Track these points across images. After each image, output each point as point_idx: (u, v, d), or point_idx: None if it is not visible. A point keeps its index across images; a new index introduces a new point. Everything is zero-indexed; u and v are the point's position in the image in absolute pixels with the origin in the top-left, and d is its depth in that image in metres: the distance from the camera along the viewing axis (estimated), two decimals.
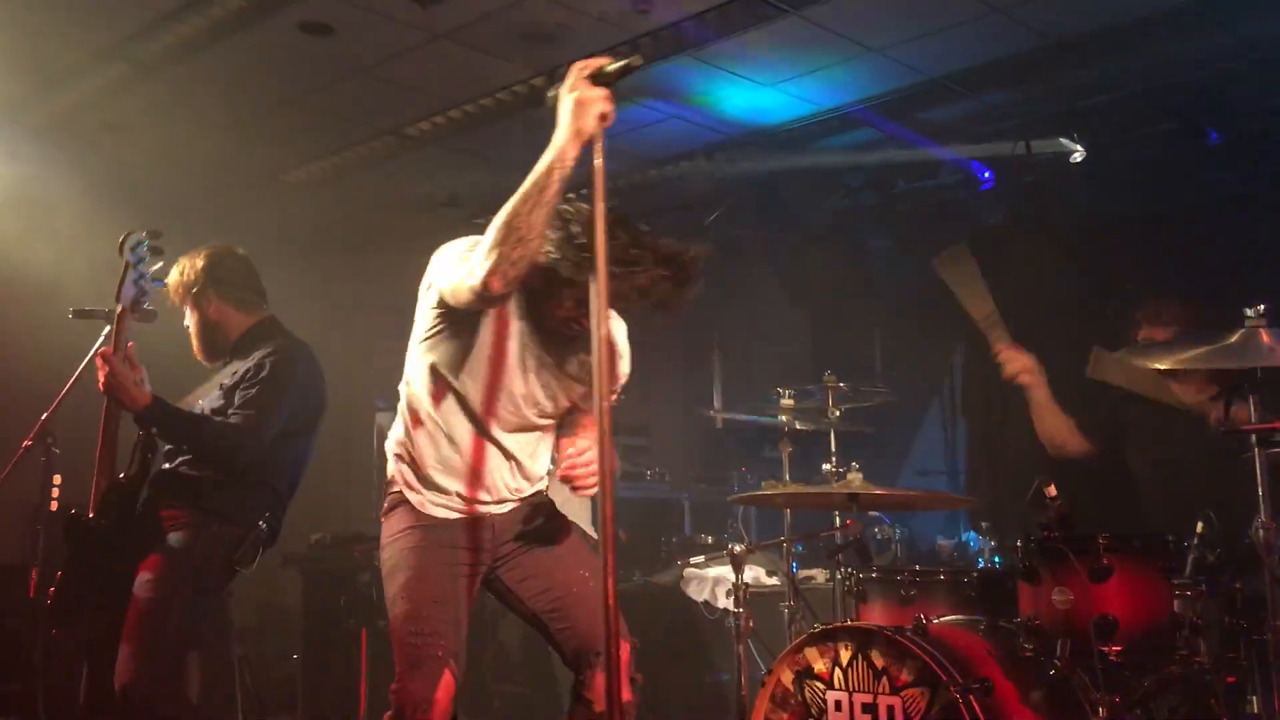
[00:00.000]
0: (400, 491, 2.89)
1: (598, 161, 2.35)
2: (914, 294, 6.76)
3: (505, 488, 2.92)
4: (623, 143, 6.45)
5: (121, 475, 3.43)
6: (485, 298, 2.54)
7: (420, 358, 2.84)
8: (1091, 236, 5.93)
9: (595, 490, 2.38)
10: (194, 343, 3.82)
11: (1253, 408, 3.14)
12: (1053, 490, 3.31)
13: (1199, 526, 3.38)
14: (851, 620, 3.53)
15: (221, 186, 6.20)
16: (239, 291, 3.83)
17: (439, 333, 2.80)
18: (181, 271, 3.80)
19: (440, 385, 2.81)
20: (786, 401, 4.42)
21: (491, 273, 2.46)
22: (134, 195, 3.94)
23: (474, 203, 7.50)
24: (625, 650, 2.81)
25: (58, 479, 3.64)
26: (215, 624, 5.59)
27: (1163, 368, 3.89)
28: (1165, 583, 3.24)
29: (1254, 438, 3.06)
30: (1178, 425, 4.10)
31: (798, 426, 4.53)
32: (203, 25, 5.05)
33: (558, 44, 5.25)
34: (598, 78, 2.35)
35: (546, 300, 2.73)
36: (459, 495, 2.86)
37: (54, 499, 3.84)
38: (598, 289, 2.29)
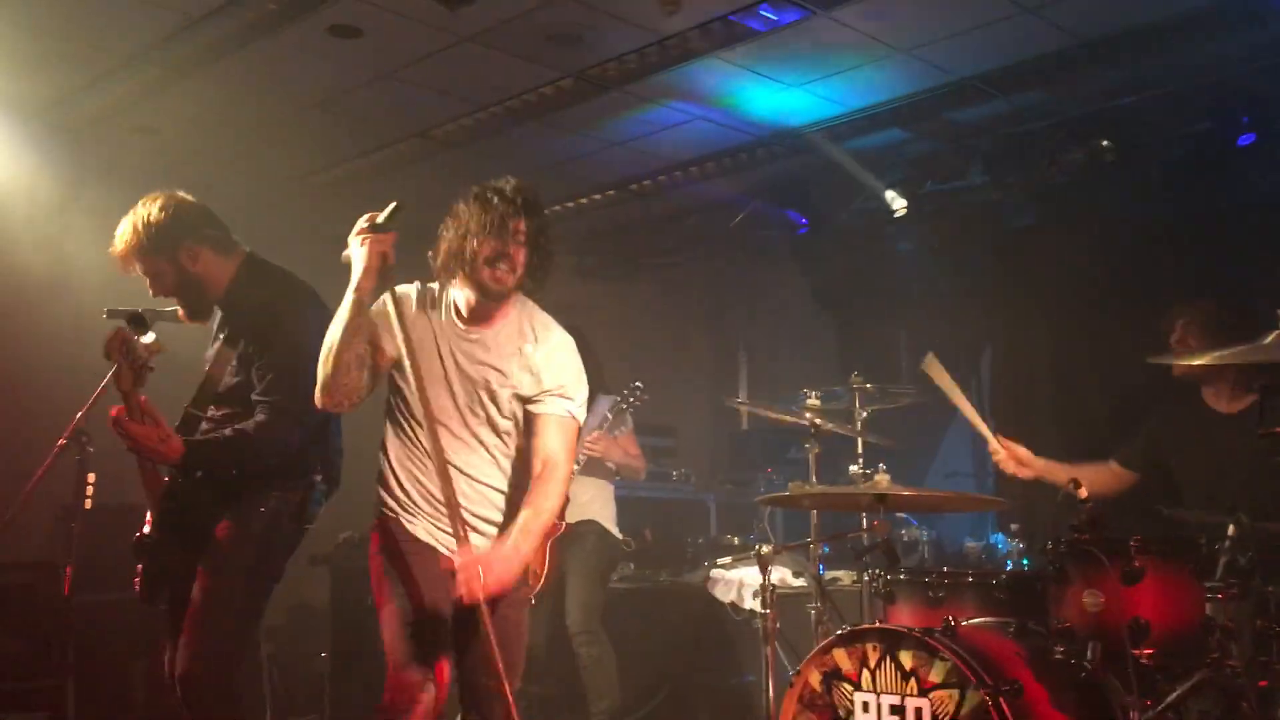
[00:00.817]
0: (383, 507, 3.09)
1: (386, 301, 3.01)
2: (941, 295, 6.75)
3: (475, 517, 3.04)
4: (649, 144, 6.45)
5: (167, 479, 3.42)
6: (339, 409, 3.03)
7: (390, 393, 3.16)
8: (1123, 238, 5.88)
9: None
10: (179, 305, 3.52)
11: None
12: (1084, 492, 3.29)
13: (1230, 529, 3.35)
14: (879, 622, 3.51)
15: (251, 189, 6.23)
16: (215, 232, 3.50)
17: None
18: (141, 226, 3.43)
19: (394, 408, 3.12)
20: (813, 402, 4.40)
21: (320, 392, 2.96)
22: None
23: None
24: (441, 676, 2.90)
25: (91, 478, 3.65)
26: None
27: (1198, 366, 3.86)
28: (1197, 586, 3.22)
29: None
30: (1215, 430, 4.08)
31: (824, 427, 4.52)
32: (233, 29, 5.08)
33: (585, 46, 5.26)
34: (375, 227, 2.95)
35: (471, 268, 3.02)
36: (433, 516, 3.03)
37: (88, 497, 3.86)
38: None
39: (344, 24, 5.02)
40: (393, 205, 2.95)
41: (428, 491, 3.02)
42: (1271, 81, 5.28)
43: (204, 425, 3.46)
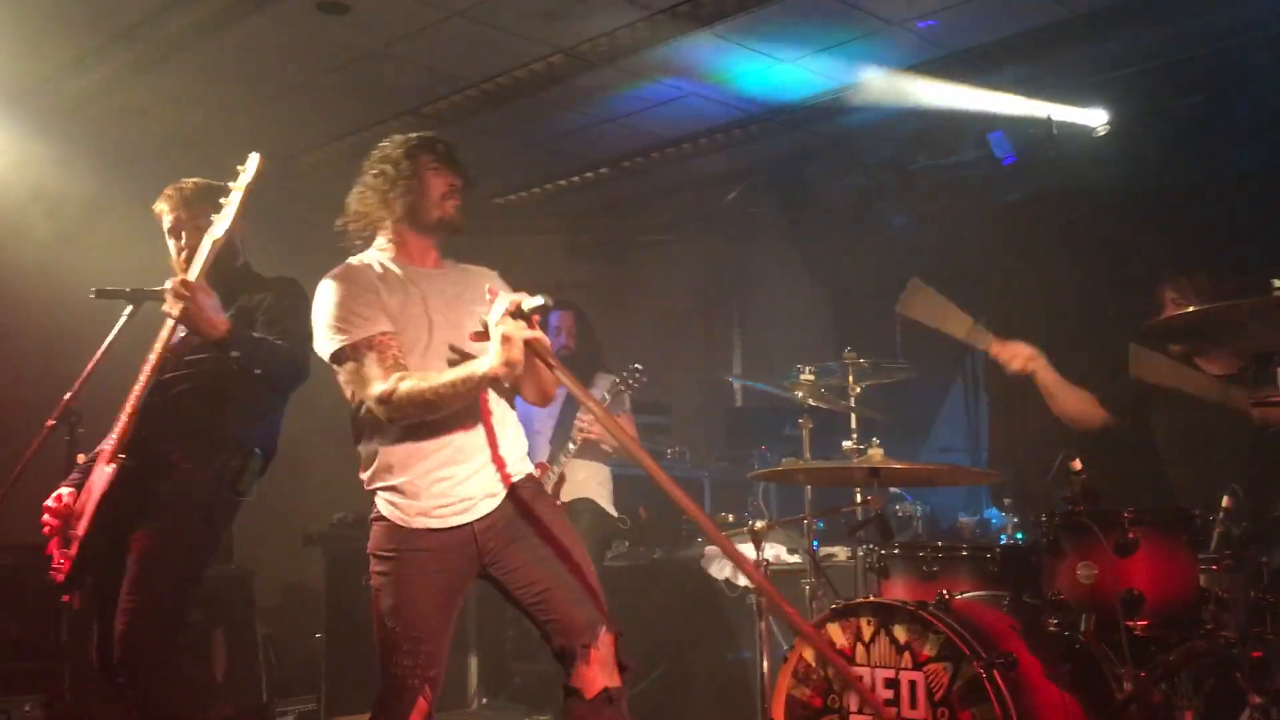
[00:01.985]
0: (383, 512, 2.96)
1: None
2: (935, 270, 6.71)
3: (487, 478, 2.95)
4: (641, 120, 6.42)
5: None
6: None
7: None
8: (1117, 211, 5.86)
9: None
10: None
11: None
12: (1078, 464, 3.29)
13: (1225, 500, 3.35)
14: (873, 596, 3.51)
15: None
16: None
17: None
18: (200, 181, 3.65)
19: None
20: (807, 378, 4.39)
21: (402, 416, 2.83)
22: (151, 177, 3.94)
23: (493, 182, 7.50)
24: (609, 639, 2.85)
25: (81, 458, 3.62)
26: (239, 601, 5.62)
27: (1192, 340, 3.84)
28: (1191, 557, 3.23)
29: None
30: (1204, 402, 4.06)
31: (818, 403, 4.51)
32: (220, 6, 5.05)
33: (576, 20, 5.22)
34: (518, 313, 2.75)
35: (423, 205, 3.03)
36: (442, 500, 2.91)
37: None
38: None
39: (331, 0, 4.98)
40: (541, 302, 2.77)
41: (439, 462, 2.91)
42: (1263, 53, 5.26)
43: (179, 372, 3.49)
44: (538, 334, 2.76)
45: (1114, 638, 3.07)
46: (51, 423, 3.62)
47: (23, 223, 5.94)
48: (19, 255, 5.90)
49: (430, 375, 2.82)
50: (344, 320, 2.88)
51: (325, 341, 2.92)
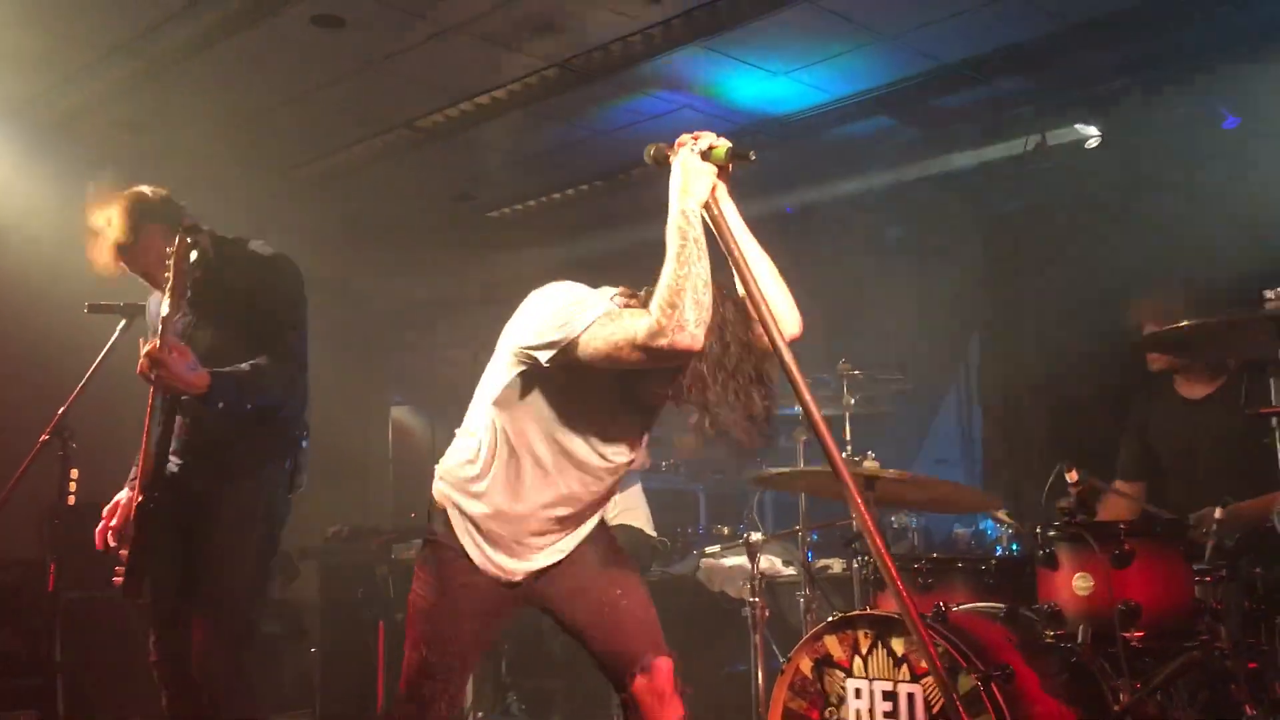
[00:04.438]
0: (459, 542, 2.72)
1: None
2: (929, 282, 6.75)
3: (578, 536, 2.83)
4: (636, 133, 6.42)
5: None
6: (674, 355, 2.43)
7: (508, 406, 2.68)
8: (1110, 223, 5.88)
9: None
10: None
11: (1274, 391, 3.10)
12: (1074, 475, 3.29)
13: (1218, 512, 3.36)
14: (870, 608, 3.51)
15: (233, 181, 6.20)
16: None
17: (534, 384, 2.65)
18: (147, 194, 3.49)
19: (536, 436, 2.67)
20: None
21: (698, 324, 2.40)
22: None
23: (487, 196, 7.51)
24: (667, 665, 2.79)
25: (75, 473, 3.61)
26: None
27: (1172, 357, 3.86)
28: (1186, 568, 3.23)
29: (1275, 420, 3.03)
30: (1187, 417, 4.10)
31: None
32: (215, 21, 5.04)
33: (568, 34, 5.23)
34: (707, 155, 2.48)
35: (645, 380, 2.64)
36: (530, 555, 2.75)
37: (71, 493, 3.83)
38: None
39: (326, 14, 4.99)
40: (748, 152, 2.51)
41: (547, 514, 2.72)
42: (1255, 66, 5.28)
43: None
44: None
45: (1110, 649, 3.08)
46: (45, 438, 3.61)
47: (17, 237, 5.93)
48: (12, 269, 5.90)
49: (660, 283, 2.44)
50: (579, 305, 2.56)
51: (565, 329, 2.53)
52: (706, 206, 2.47)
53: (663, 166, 2.53)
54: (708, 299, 2.42)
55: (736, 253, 2.41)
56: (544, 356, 2.54)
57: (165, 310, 3.19)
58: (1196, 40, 5.24)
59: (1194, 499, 3.78)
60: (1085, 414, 5.44)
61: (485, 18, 5.05)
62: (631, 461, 2.83)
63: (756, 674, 3.73)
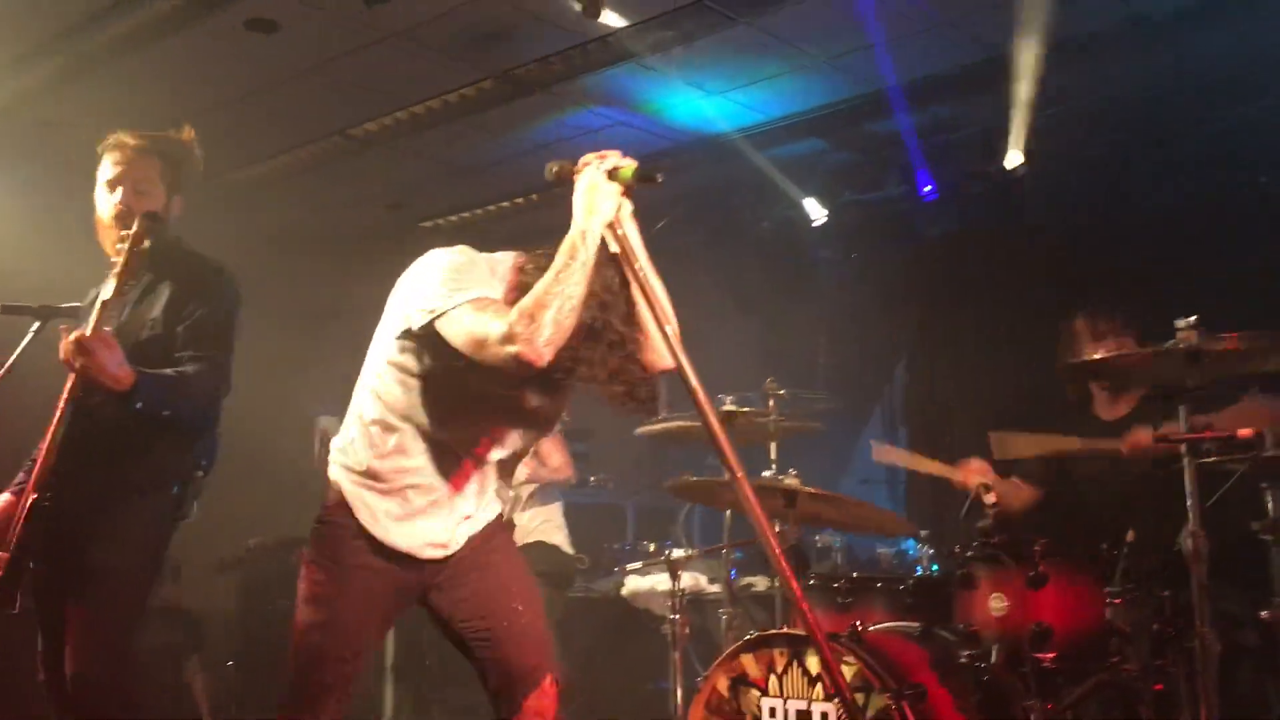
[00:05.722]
0: (356, 520, 2.65)
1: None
2: (858, 304, 6.83)
3: (473, 516, 2.79)
4: (569, 149, 6.38)
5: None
6: (516, 364, 2.39)
7: (395, 371, 2.66)
8: (1037, 248, 6.00)
9: None
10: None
11: (1183, 418, 3.17)
12: (992, 497, 3.34)
13: (1129, 535, 3.42)
14: (788, 627, 3.52)
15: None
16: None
17: (417, 347, 2.62)
18: (187, 142, 3.52)
19: (425, 402, 2.64)
20: (728, 407, 4.41)
21: (548, 344, 2.37)
22: (67, 193, 3.84)
23: (421, 206, 7.46)
24: (552, 690, 2.73)
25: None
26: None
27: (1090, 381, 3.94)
28: (1098, 591, 3.29)
29: (1185, 446, 3.10)
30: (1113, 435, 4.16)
31: (737, 432, 4.53)
32: (145, 19, 4.96)
33: (507, 47, 5.23)
34: (614, 175, 2.46)
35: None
36: (430, 533, 2.70)
37: None
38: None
39: (260, 18, 4.94)
40: (655, 173, 2.50)
41: (447, 486, 2.68)
42: (1178, 97, 5.42)
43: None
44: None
45: (1022, 670, 3.12)
46: None
47: None
48: None
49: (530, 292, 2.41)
50: (456, 282, 2.53)
51: (435, 300, 2.51)
52: (611, 227, 2.46)
53: (566, 184, 2.51)
54: (570, 323, 2.39)
55: (640, 275, 2.40)
56: (416, 321, 2.53)
57: (108, 294, 3.07)
58: (1121, 73, 5.36)
59: (1109, 522, 3.84)
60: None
61: (423, 27, 5.03)
62: (517, 457, 2.82)
63: (676, 692, 3.73)
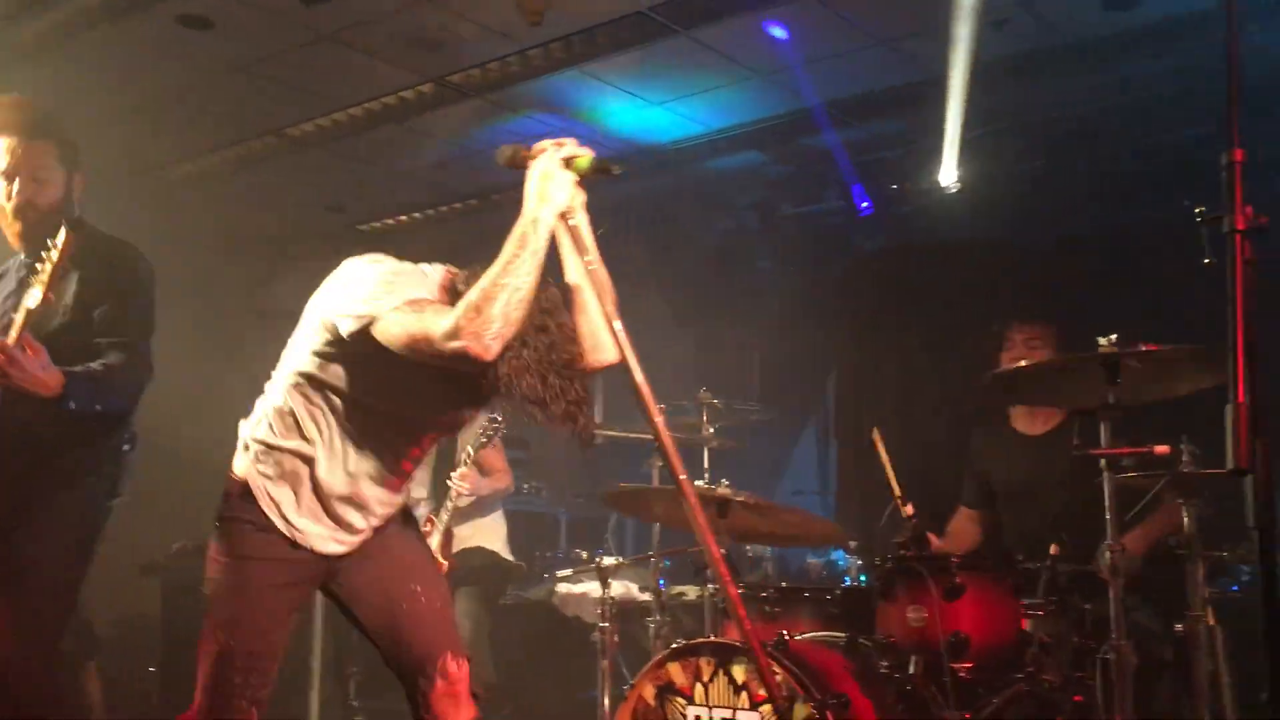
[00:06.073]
0: (263, 514, 2.62)
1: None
2: (793, 315, 6.89)
3: (383, 512, 2.75)
4: None
5: None
6: (463, 359, 2.32)
7: (315, 372, 2.61)
8: (967, 264, 6.09)
9: None
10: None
11: (1104, 433, 3.23)
12: (909, 509, 3.38)
13: (1052, 548, 3.48)
14: (715, 635, 3.54)
15: (91, 180, 5.98)
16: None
17: (340, 352, 2.57)
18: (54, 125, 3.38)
19: (344, 403, 2.60)
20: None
21: (495, 338, 2.30)
22: None
23: (358, 208, 7.40)
24: (464, 667, 2.72)
25: None
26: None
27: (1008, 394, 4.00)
28: (1015, 602, 3.34)
29: (1103, 462, 3.15)
30: (1026, 452, 4.24)
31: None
32: (75, 12, 4.88)
33: (447, 51, 5.21)
34: (570, 164, 2.42)
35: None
36: (339, 528, 2.67)
37: None
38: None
39: (193, 14, 4.87)
40: (613, 167, 2.48)
41: (357, 493, 2.64)
42: (1108, 121, 5.54)
43: None
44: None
45: (941, 680, 3.16)
46: None
47: None
48: None
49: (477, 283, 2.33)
50: (389, 286, 2.47)
51: (369, 304, 2.45)
52: (564, 216, 2.42)
53: (518, 169, 2.45)
54: (518, 315, 2.32)
55: (590, 267, 2.38)
56: (345, 327, 2.46)
57: (33, 304, 2.97)
58: (1053, 94, 5.47)
59: (1031, 534, 3.91)
60: (936, 449, 5.60)
61: (361, 28, 4.99)
62: (419, 457, 2.79)
63: (603, 700, 3.72)
